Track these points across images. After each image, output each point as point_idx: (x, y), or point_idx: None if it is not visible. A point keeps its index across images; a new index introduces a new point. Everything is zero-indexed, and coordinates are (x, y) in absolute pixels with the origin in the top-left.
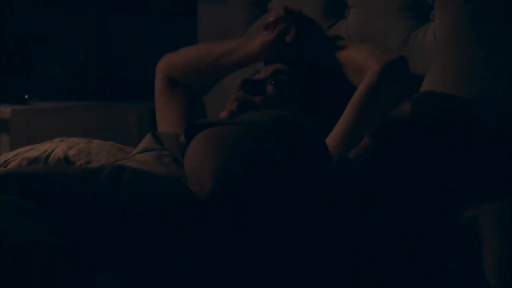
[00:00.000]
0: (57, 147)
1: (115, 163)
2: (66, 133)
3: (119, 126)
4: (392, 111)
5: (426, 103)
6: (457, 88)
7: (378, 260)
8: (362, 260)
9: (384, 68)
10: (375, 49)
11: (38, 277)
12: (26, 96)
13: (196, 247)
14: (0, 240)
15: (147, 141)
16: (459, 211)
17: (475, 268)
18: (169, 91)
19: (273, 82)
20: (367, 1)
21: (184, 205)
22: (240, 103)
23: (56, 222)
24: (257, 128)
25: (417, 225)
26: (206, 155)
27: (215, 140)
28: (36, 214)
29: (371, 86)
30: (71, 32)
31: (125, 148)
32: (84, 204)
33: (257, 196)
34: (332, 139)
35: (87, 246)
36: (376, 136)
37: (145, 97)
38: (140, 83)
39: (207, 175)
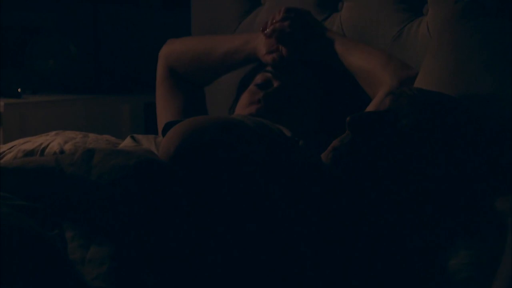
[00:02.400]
0: (52, 141)
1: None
2: (59, 127)
3: (113, 119)
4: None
5: (403, 97)
6: (451, 81)
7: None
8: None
9: (401, 85)
10: (389, 60)
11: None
12: (19, 90)
13: (165, 209)
14: None
15: (126, 141)
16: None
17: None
18: (169, 81)
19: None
20: None
21: (151, 169)
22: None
23: (32, 206)
24: (237, 120)
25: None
26: (180, 128)
27: (192, 120)
28: (11, 201)
29: None
30: (63, 25)
31: (120, 142)
32: (61, 186)
33: (216, 169)
34: None
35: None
36: (351, 126)
37: (139, 90)
38: (133, 76)
39: (175, 140)
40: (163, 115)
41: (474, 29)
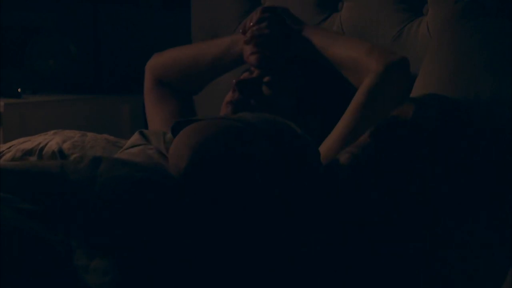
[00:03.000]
0: (51, 140)
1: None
2: (59, 127)
3: (112, 119)
4: (394, 111)
5: (430, 106)
6: (451, 81)
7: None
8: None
9: (387, 70)
10: (373, 47)
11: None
12: (19, 90)
13: (171, 226)
14: None
15: (134, 138)
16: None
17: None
18: (157, 91)
19: (267, 82)
20: None
21: (159, 184)
22: (235, 106)
23: (34, 209)
24: (243, 121)
25: (414, 232)
26: (187, 139)
27: (199, 128)
28: (12, 203)
29: (374, 88)
30: (63, 25)
31: (119, 141)
32: (64, 192)
33: (230, 181)
34: (332, 140)
35: (68, 231)
36: (375, 135)
37: (138, 90)
38: (133, 75)
39: (184, 155)
40: (153, 124)
41: (474, 29)
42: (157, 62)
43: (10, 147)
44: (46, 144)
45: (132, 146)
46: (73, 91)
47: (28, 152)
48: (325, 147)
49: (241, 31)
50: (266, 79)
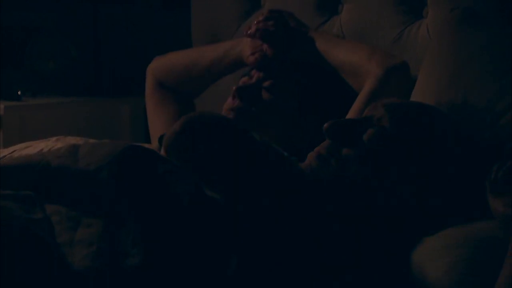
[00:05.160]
0: (53, 146)
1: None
2: (59, 129)
3: (112, 121)
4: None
5: (381, 104)
6: (451, 84)
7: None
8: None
9: (387, 74)
10: (374, 51)
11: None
12: (19, 92)
13: (159, 189)
14: None
15: None
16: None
17: None
18: (158, 93)
19: (267, 87)
20: None
21: (137, 152)
22: (236, 113)
23: (18, 194)
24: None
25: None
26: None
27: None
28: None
29: (375, 92)
30: (63, 25)
31: None
32: (48, 176)
33: (205, 159)
34: None
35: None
36: (329, 133)
37: (138, 91)
38: (133, 77)
39: (181, 119)
40: (154, 127)
41: (474, 32)
42: (158, 65)
43: (13, 152)
44: (48, 151)
45: None
46: (73, 93)
47: None
48: None
49: (244, 32)
50: (266, 83)
